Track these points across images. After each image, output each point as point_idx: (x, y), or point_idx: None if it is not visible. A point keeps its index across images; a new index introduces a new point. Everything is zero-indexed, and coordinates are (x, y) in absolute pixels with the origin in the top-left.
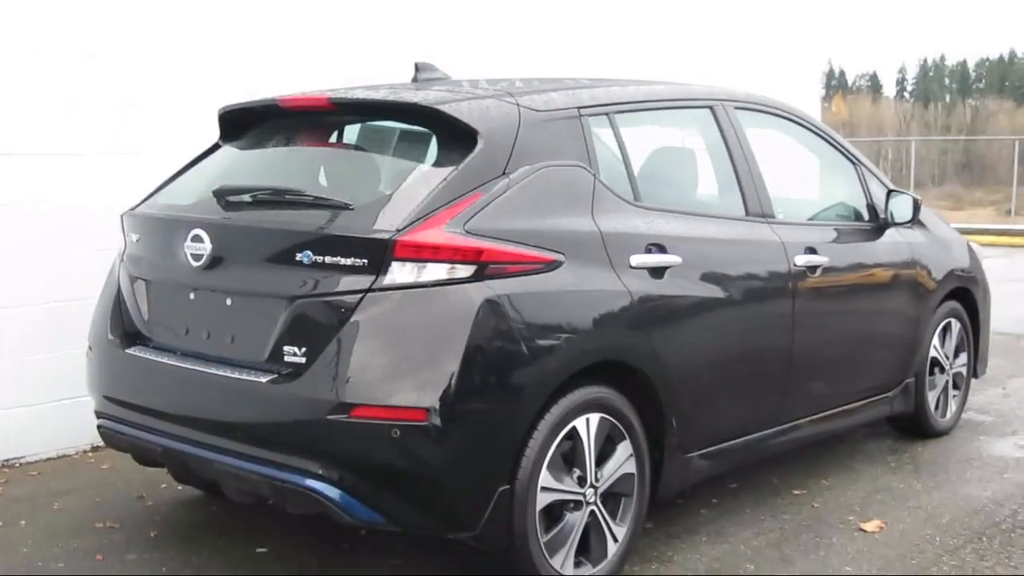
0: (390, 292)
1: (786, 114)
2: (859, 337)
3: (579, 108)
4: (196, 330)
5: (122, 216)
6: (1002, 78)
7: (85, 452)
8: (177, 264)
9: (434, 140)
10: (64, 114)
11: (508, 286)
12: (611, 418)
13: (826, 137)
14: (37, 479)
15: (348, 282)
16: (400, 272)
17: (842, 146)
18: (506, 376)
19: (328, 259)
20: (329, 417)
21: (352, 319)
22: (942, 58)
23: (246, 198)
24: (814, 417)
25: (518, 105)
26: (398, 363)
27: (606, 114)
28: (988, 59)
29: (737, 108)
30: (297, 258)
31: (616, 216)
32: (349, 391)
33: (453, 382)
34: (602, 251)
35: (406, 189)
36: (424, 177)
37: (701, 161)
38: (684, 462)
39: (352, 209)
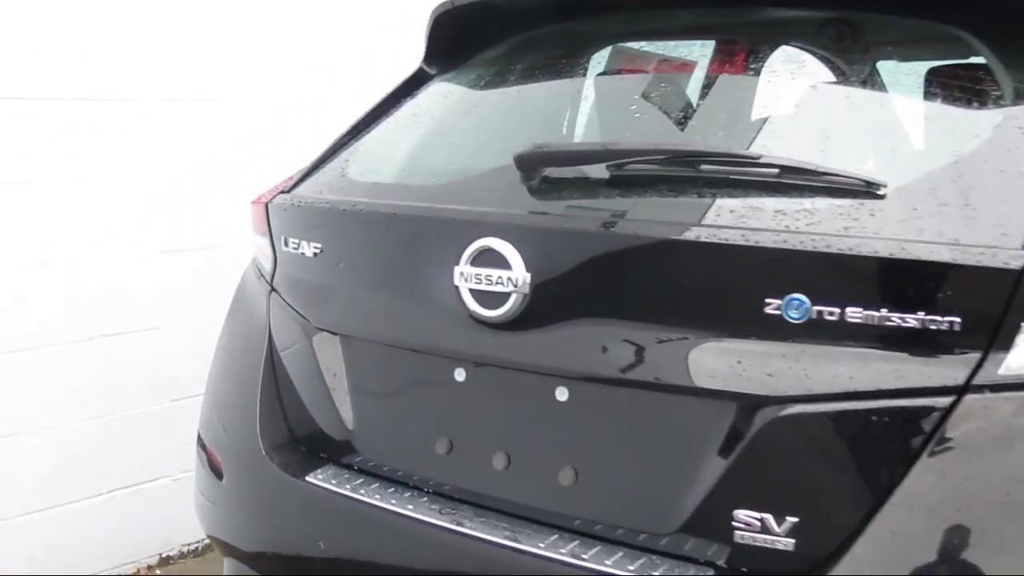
0: (1019, 395)
1: None
2: None
3: None
4: (474, 448)
5: (267, 205)
6: None
7: (151, 567)
8: (429, 309)
9: None
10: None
11: None
12: None
13: None
14: None
15: (905, 367)
16: None
17: None
18: None
19: (848, 312)
20: None
21: (926, 455)
22: None
23: (602, 171)
24: None
25: None
26: None
27: None
28: None
29: None
30: (767, 310)
31: None
32: None
33: None
34: None
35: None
36: None
37: None
38: None
39: (883, 196)
